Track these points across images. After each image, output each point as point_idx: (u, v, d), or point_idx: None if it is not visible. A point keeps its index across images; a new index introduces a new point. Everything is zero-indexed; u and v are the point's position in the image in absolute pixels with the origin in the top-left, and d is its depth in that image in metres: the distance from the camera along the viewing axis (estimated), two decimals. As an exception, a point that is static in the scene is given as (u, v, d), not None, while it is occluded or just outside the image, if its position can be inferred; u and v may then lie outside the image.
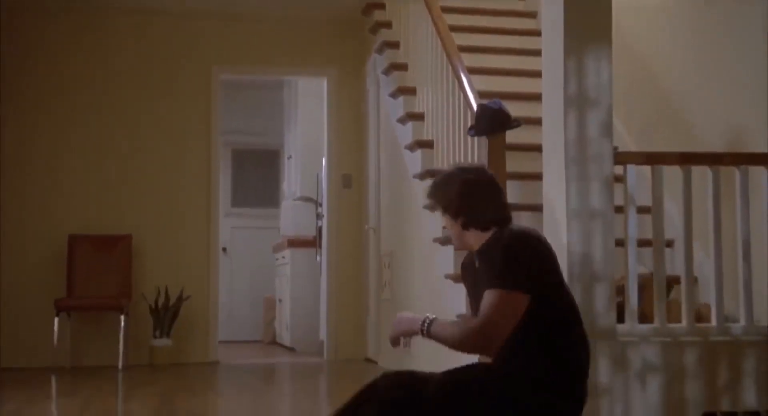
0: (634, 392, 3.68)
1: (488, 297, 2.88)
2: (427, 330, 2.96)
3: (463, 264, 3.27)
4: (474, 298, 3.16)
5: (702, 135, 5.11)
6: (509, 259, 2.89)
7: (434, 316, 3.00)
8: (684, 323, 3.82)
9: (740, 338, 3.82)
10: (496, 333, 2.84)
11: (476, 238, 3.07)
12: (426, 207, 5.59)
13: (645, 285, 3.93)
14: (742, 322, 3.86)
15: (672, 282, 4.11)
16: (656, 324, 3.80)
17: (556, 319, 2.95)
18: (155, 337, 7.54)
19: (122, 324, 7.20)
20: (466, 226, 3.07)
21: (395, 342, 3.12)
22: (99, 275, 7.50)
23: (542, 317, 2.90)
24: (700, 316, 4.01)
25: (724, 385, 3.75)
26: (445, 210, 3.11)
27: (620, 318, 3.79)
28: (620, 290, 3.84)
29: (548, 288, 2.95)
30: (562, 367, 2.92)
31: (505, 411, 2.86)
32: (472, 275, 3.17)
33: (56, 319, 7.15)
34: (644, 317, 3.94)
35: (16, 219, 7.59)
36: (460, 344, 2.88)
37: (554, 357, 2.91)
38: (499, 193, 3.11)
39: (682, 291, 3.86)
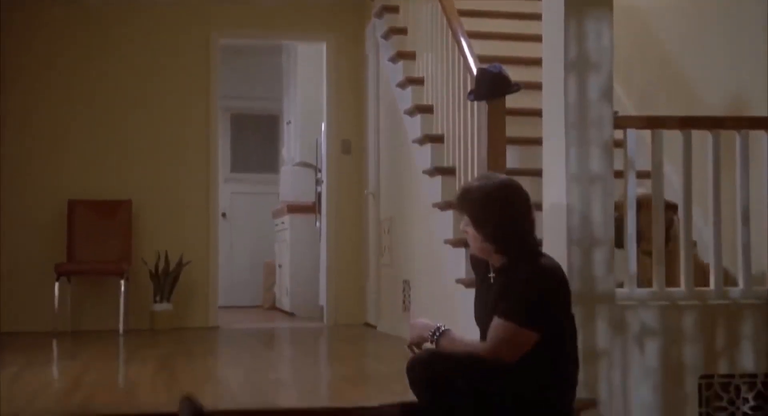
0: (633, 355, 3.70)
1: (499, 328, 2.95)
2: (437, 342, 3.06)
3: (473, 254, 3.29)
4: (481, 300, 3.19)
5: (703, 99, 5.10)
6: (527, 296, 2.96)
7: (446, 327, 3.08)
8: (683, 287, 3.84)
9: (738, 301, 3.84)
10: (502, 362, 2.93)
11: (499, 258, 3.09)
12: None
13: (643, 203, 3.93)
14: (741, 286, 3.88)
15: (670, 213, 4.10)
16: (655, 288, 3.81)
17: (557, 350, 3.00)
18: (155, 302, 7.56)
19: (122, 288, 7.21)
20: (496, 252, 3.07)
21: (411, 348, 3.18)
22: (99, 240, 7.51)
23: (544, 353, 2.95)
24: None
25: (722, 348, 3.77)
26: (477, 229, 3.07)
27: (618, 239, 3.79)
28: (618, 207, 3.83)
29: (558, 329, 3.00)
30: (548, 392, 3.00)
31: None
32: (483, 272, 3.20)
33: (56, 284, 7.17)
34: (642, 236, 3.94)
35: (16, 184, 7.59)
36: None
37: (543, 382, 2.99)
38: (530, 216, 3.08)
39: (681, 254, 3.87)
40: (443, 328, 3.09)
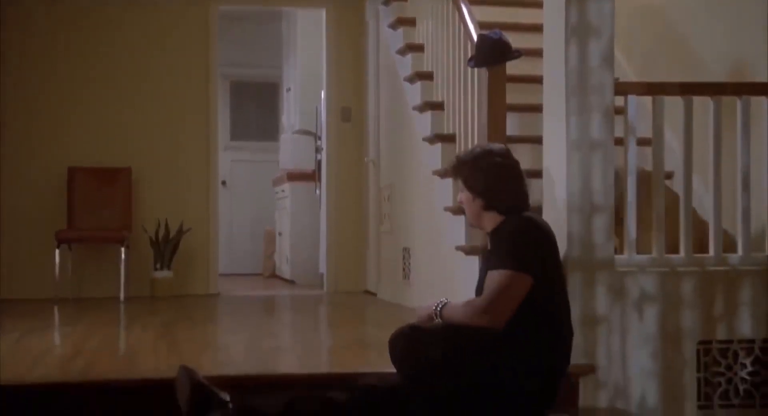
0: (632, 321, 3.71)
1: (493, 277, 3.00)
2: (440, 313, 3.12)
3: (483, 246, 3.35)
4: (481, 277, 3.21)
5: (704, 65, 5.08)
6: (516, 242, 3.03)
7: (446, 301, 3.15)
8: (682, 253, 3.84)
9: (737, 268, 3.85)
10: (500, 312, 2.97)
11: (491, 220, 3.20)
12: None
13: (643, 178, 3.93)
14: (740, 252, 3.88)
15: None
16: (654, 254, 3.81)
17: (547, 311, 3.02)
18: (156, 269, 7.58)
19: (123, 256, 7.23)
20: (485, 208, 3.19)
21: None
22: (99, 207, 7.52)
23: (535, 305, 2.96)
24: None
25: (721, 314, 3.78)
26: (469, 188, 3.22)
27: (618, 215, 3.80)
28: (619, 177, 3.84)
29: (548, 277, 3.01)
30: (539, 361, 3.01)
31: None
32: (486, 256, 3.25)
33: (57, 251, 7.18)
34: (640, 212, 3.93)
35: (16, 151, 7.58)
36: (469, 323, 2.99)
37: (534, 350, 2.98)
38: (521, 179, 3.23)
39: (681, 221, 3.87)
40: (444, 301, 3.15)
